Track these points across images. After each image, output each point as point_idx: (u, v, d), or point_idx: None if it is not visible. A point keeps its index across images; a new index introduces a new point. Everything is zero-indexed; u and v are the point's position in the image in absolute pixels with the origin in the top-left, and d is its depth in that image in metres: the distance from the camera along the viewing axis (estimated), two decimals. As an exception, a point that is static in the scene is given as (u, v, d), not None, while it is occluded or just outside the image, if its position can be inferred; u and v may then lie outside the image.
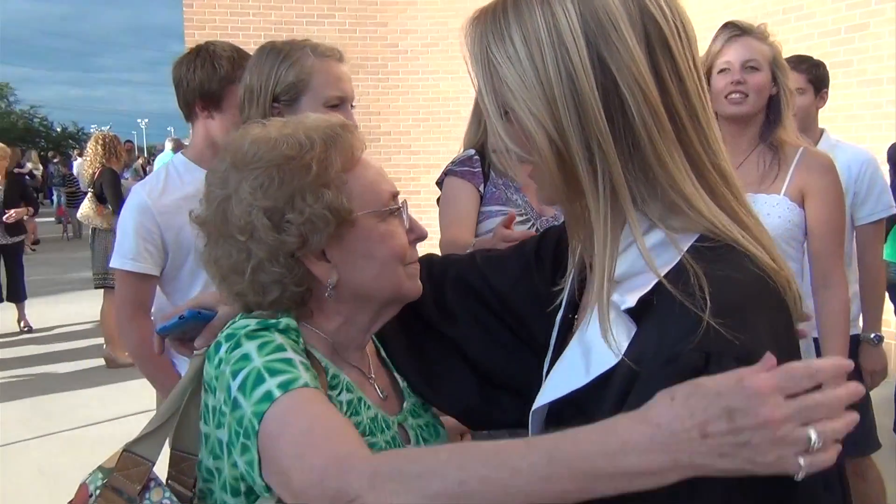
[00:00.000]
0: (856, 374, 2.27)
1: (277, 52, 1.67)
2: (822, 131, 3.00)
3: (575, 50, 0.80)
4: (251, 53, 2.22)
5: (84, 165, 6.41)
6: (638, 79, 0.80)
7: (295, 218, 1.03)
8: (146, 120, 70.68)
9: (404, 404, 1.21)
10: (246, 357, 0.98)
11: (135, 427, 1.10)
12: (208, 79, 2.13)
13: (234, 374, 0.97)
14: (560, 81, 0.80)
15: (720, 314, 0.74)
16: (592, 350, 0.84)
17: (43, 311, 8.07)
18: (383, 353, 1.27)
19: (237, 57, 2.15)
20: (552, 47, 0.81)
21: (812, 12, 5.39)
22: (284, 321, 1.05)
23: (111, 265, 2.19)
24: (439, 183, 2.26)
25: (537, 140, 0.83)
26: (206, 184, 1.11)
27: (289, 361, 0.98)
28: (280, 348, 1.00)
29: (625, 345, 0.80)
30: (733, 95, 2.17)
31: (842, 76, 5.15)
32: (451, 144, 10.13)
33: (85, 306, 7.21)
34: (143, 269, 2.10)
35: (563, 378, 0.88)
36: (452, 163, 2.23)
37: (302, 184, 1.04)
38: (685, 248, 0.82)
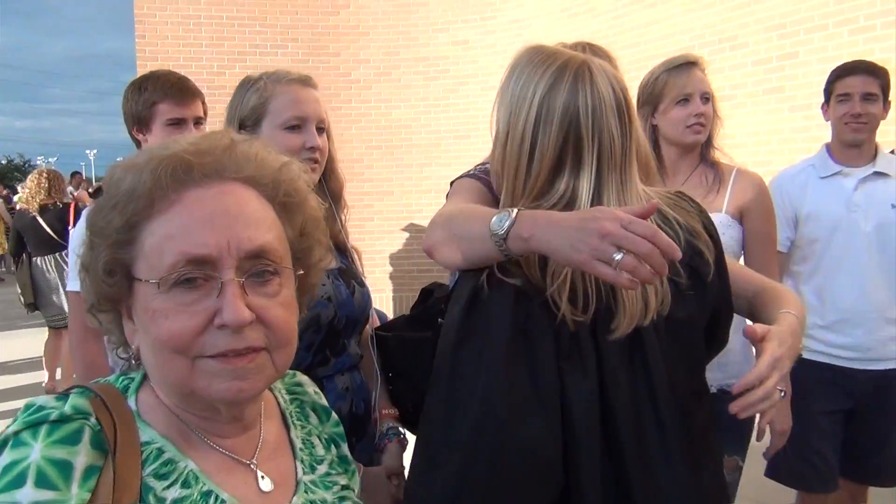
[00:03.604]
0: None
1: (246, 82, 1.74)
2: (876, 146, 2.82)
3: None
4: (202, 82, 2.34)
5: (26, 198, 6.28)
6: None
7: (83, 267, 0.89)
8: (95, 151, 69.28)
9: (295, 498, 0.98)
10: None
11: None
12: (136, 103, 2.25)
13: None
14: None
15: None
16: None
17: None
18: (293, 434, 1.06)
19: (163, 77, 2.27)
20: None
21: (745, 42, 5.68)
22: (70, 406, 0.83)
23: (68, 288, 2.29)
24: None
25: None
26: None
27: None
28: (16, 482, 0.76)
29: None
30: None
31: (774, 102, 5.43)
32: (405, 171, 10.04)
33: (25, 341, 7.06)
34: None
35: None
36: (473, 168, 1.74)
37: (93, 230, 0.88)
38: None
